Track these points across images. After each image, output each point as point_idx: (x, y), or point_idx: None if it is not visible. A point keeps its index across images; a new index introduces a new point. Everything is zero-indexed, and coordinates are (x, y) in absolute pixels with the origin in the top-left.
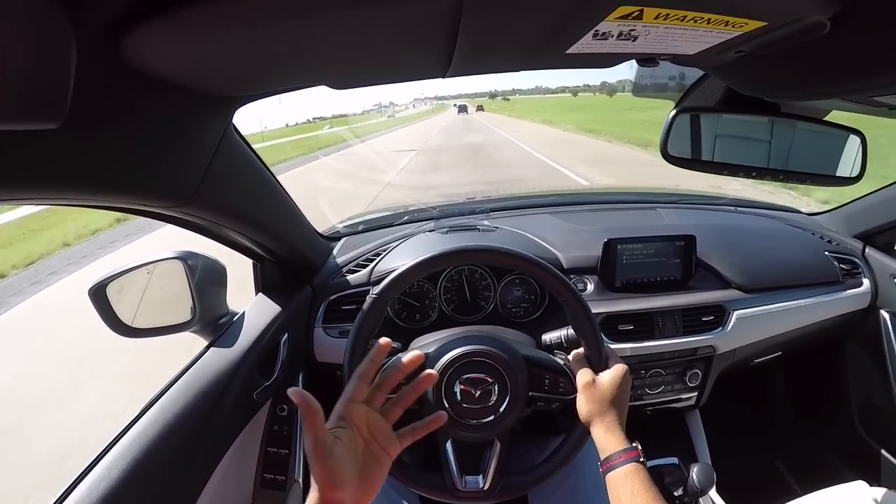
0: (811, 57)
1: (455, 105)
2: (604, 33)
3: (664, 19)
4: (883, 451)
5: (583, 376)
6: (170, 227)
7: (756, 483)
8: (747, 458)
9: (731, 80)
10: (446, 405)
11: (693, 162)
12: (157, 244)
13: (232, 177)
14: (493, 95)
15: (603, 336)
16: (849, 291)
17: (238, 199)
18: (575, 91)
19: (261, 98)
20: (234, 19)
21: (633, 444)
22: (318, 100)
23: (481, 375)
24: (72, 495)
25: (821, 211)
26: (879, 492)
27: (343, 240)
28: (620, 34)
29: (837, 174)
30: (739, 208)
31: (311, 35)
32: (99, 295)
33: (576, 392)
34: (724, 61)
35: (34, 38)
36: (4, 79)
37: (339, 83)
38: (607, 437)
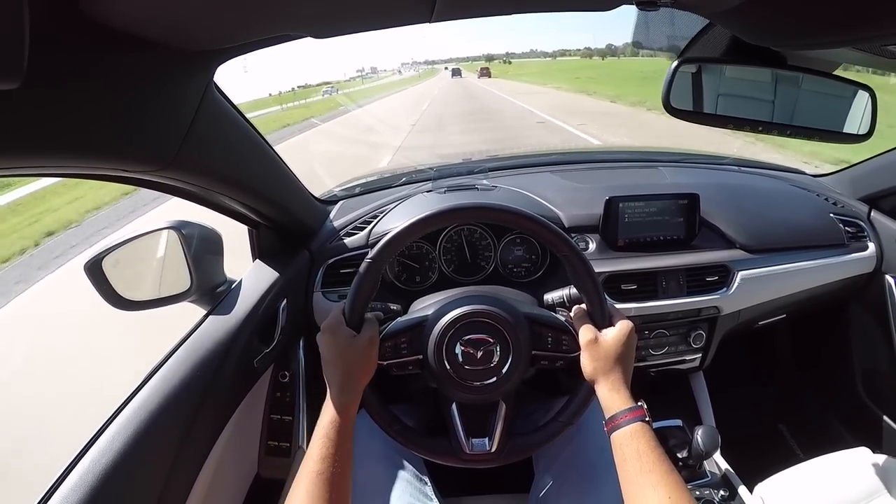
0: (823, 1)
1: (446, 68)
2: None
3: None
4: (885, 418)
5: (585, 333)
6: None
7: (759, 447)
8: (751, 422)
9: (737, 26)
10: (448, 367)
11: (696, 115)
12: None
13: (217, 138)
14: (489, 59)
15: (606, 295)
16: (854, 255)
17: (225, 161)
18: (603, 54)
19: (242, 52)
20: None
21: (639, 403)
22: (291, 66)
23: (482, 336)
24: (74, 469)
25: (826, 172)
26: (882, 458)
27: (340, 203)
28: None
29: (845, 131)
30: (743, 168)
31: None
32: (95, 270)
33: (579, 349)
34: (730, 6)
35: None
36: None
37: (321, 31)
38: (612, 396)
